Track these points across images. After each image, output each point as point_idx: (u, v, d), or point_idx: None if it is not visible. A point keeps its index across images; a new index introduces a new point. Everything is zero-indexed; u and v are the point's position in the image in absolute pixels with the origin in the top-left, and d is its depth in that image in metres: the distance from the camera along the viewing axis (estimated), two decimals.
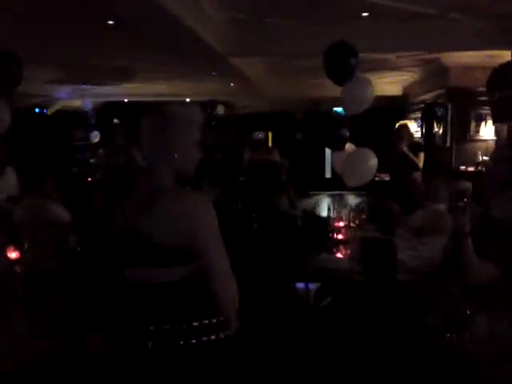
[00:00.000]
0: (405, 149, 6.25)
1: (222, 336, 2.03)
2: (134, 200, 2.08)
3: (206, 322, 2.01)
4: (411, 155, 6.27)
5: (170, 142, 2.09)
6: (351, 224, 4.69)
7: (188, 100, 12.36)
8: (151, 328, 2.01)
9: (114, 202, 2.24)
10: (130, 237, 2.06)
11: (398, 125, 6.78)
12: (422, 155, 6.42)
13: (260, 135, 12.95)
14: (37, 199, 4.62)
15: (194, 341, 1.98)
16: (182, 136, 2.12)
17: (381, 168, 4.53)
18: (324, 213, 4.90)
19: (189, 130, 2.14)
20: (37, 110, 11.17)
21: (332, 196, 4.93)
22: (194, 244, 1.96)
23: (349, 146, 4.37)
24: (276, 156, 6.19)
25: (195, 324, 1.99)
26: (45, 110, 11.41)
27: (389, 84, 10.37)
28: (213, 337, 2.01)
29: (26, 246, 4.28)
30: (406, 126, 6.74)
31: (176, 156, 2.09)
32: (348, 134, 4.26)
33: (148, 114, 2.17)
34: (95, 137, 11.78)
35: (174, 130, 2.11)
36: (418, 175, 6.10)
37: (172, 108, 2.16)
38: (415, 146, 6.54)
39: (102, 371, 3.58)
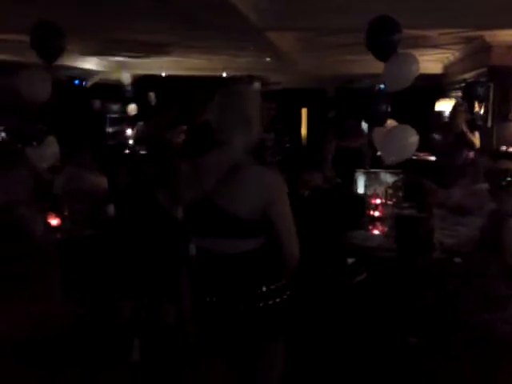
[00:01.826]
0: (464, 128, 6.12)
1: (285, 297, 2.26)
2: (211, 173, 2.16)
3: (273, 287, 2.22)
4: (470, 134, 6.14)
5: (246, 117, 2.20)
6: (387, 202, 4.66)
7: (224, 74, 12.33)
8: (226, 293, 2.21)
9: (162, 175, 2.33)
10: (207, 208, 2.17)
11: (455, 103, 6.62)
12: (477, 134, 6.30)
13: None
14: (76, 169, 4.73)
15: (261, 304, 2.19)
16: (255, 111, 2.24)
17: (420, 147, 4.47)
18: (361, 190, 4.87)
19: (258, 106, 2.26)
20: (76, 82, 11.30)
21: (368, 173, 4.88)
22: (268, 215, 2.15)
23: (390, 123, 4.31)
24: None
25: (264, 289, 2.20)
26: (84, 82, 11.53)
27: (429, 62, 10.13)
28: (278, 299, 2.22)
29: (65, 213, 4.39)
30: (462, 104, 6.58)
31: (251, 131, 2.22)
32: (389, 109, 4.20)
33: (222, 90, 2.27)
34: (132, 110, 11.89)
35: (250, 106, 2.22)
36: (474, 155, 5.98)
37: (244, 84, 2.36)
38: (471, 125, 6.40)
39: (132, 338, 3.69)
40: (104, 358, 3.69)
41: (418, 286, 3.55)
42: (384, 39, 3.99)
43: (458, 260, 3.42)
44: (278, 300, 2.23)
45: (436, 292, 3.39)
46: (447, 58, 10.00)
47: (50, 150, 4.60)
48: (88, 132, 9.14)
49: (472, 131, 6.26)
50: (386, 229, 4.08)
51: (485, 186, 3.77)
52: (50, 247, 3.94)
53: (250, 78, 10.62)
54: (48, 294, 4.11)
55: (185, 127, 6.96)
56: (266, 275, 2.22)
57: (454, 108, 6.38)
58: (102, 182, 4.86)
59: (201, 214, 2.20)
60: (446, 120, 7.21)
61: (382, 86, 4.16)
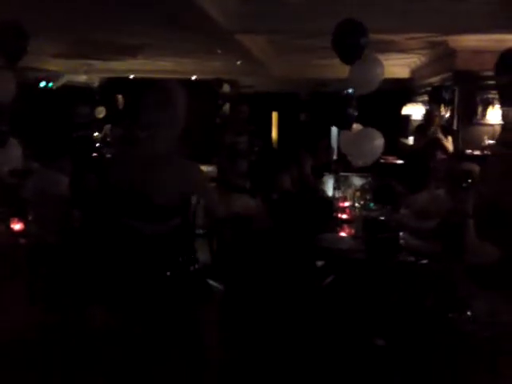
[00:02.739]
0: (439, 133, 6.21)
1: (197, 267, 2.74)
2: (136, 164, 2.50)
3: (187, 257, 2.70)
4: (444, 139, 6.23)
5: (170, 114, 2.49)
6: (356, 204, 4.70)
7: (193, 78, 12.28)
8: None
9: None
10: (134, 195, 2.49)
11: (427, 108, 6.72)
12: (450, 138, 6.39)
13: None
14: (52, 173, 4.59)
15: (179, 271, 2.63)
16: (180, 109, 2.52)
17: (387, 151, 4.53)
18: (329, 193, 4.90)
19: (184, 105, 2.53)
20: (42, 84, 11.11)
21: (337, 177, 4.91)
22: (191, 194, 2.96)
23: (356, 127, 4.35)
24: None
25: (181, 259, 2.66)
26: (50, 84, 11.35)
27: (396, 66, 10.28)
28: (192, 268, 2.70)
29: (30, 218, 4.30)
30: (437, 109, 6.69)
31: (175, 127, 2.53)
32: (356, 113, 4.23)
33: (150, 89, 2.53)
34: (100, 112, 11.75)
35: (174, 104, 2.50)
36: (446, 159, 6.07)
37: (171, 84, 2.54)
38: (445, 129, 6.50)
39: (103, 344, 3.62)
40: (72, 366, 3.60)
41: (385, 287, 3.58)
42: (350, 42, 4.02)
43: (423, 261, 3.46)
44: (192, 269, 2.70)
45: (402, 294, 3.43)
46: (414, 62, 10.15)
47: (12, 152, 4.48)
48: (53, 134, 9.00)
49: (446, 136, 6.36)
50: (353, 231, 4.11)
51: (442, 190, 3.84)
52: (13, 253, 3.86)
53: (219, 81, 10.61)
54: (11, 302, 4.02)
55: None
56: (183, 248, 2.69)
57: (429, 112, 6.48)
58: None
59: (128, 199, 2.53)
60: (420, 123, 7.30)
61: (350, 90, 4.19)
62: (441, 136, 6.25)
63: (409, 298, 3.43)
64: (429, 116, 6.40)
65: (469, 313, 3.00)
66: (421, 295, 3.34)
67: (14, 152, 4.50)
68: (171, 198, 2.51)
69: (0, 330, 3.85)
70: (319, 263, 3.99)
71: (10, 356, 3.61)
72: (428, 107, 7.48)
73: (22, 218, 4.20)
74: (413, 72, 10.79)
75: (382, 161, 6.48)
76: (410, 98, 10.40)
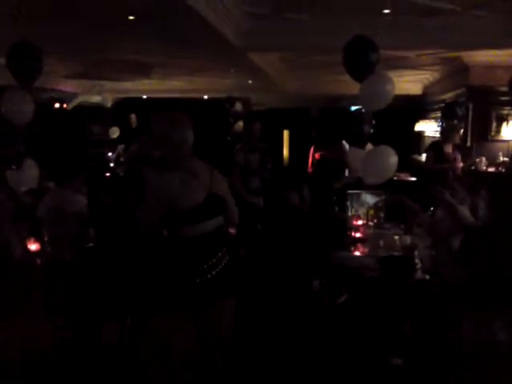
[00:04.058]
0: (455, 151, 6.22)
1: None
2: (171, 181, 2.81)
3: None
4: (457, 157, 6.22)
5: (182, 139, 2.80)
6: (369, 222, 4.65)
7: (206, 97, 12.36)
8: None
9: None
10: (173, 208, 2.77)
11: (450, 123, 6.69)
12: (459, 156, 6.38)
13: None
14: (67, 192, 4.60)
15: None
16: (190, 135, 2.84)
17: (400, 167, 4.49)
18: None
19: (190, 129, 2.85)
20: (56, 105, 11.23)
21: (350, 194, 4.87)
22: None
23: (367, 145, 4.32)
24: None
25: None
26: (64, 105, 11.47)
27: (408, 83, 10.27)
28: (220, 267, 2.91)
29: (45, 238, 4.30)
30: (458, 125, 6.66)
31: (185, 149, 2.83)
32: (371, 130, 4.21)
33: (155, 118, 2.88)
34: (114, 132, 11.82)
35: (185, 129, 2.83)
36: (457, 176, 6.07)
37: (179, 113, 2.86)
38: (458, 147, 6.48)
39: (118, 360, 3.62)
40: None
41: (400, 307, 3.53)
42: (360, 59, 4.01)
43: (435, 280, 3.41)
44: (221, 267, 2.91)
45: (418, 314, 3.38)
46: (426, 78, 10.14)
47: (29, 173, 4.52)
48: (81, 155, 9.07)
49: (458, 153, 6.34)
50: (366, 250, 4.06)
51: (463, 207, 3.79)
52: (31, 271, 3.86)
53: (231, 100, 10.65)
54: (30, 319, 4.02)
55: None
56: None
57: (452, 127, 6.43)
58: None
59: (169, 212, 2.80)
60: (437, 140, 7.27)
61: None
62: (456, 155, 6.23)
63: (424, 316, 3.38)
64: (449, 131, 6.35)
65: (457, 333, 2.95)
66: (435, 316, 3.29)
67: (31, 172, 4.54)
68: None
69: (19, 347, 3.86)
70: (332, 282, 3.96)
71: (30, 372, 3.62)
72: (443, 124, 7.43)
73: (37, 238, 4.21)
74: (425, 88, 10.77)
75: (394, 178, 6.42)
76: (423, 115, 10.37)
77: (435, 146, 6.43)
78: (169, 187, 2.79)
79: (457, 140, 6.44)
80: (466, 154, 7.69)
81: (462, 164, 6.49)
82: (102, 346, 3.93)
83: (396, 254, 3.79)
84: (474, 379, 2.90)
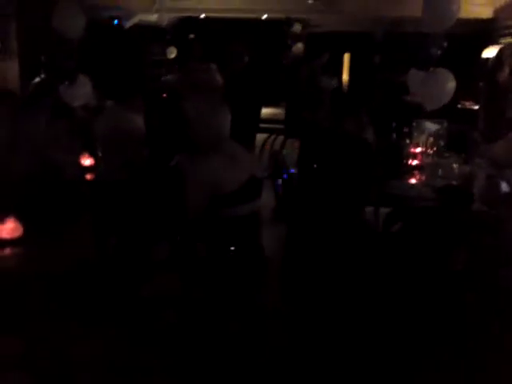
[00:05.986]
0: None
1: None
2: None
3: None
4: None
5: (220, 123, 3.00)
6: (428, 150, 4.48)
7: (264, 17, 11.99)
8: None
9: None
10: None
11: (501, 47, 6.18)
12: None
13: None
14: (124, 110, 4.61)
15: None
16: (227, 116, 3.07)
17: (465, 95, 4.25)
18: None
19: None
20: (115, 22, 11.16)
21: (409, 121, 4.68)
22: None
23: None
24: None
25: None
26: (123, 23, 11.38)
27: (477, 5, 9.59)
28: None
29: (100, 155, 4.36)
30: (510, 47, 6.15)
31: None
32: (440, 52, 3.97)
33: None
34: (172, 52, 11.70)
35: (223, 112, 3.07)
36: None
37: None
38: None
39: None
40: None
41: (455, 238, 3.43)
42: None
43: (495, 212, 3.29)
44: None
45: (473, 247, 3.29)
46: (498, 0, 9.44)
47: (82, 89, 4.54)
48: (138, 75, 9.04)
49: None
50: (423, 177, 3.94)
51: None
52: (82, 189, 3.96)
53: (290, 21, 10.29)
54: (81, 238, 4.15)
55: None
56: None
57: (501, 52, 5.94)
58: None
59: None
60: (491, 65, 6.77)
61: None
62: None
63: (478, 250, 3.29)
64: (501, 56, 5.86)
65: None
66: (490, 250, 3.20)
67: (84, 88, 4.55)
68: None
69: (69, 262, 4.02)
70: (386, 210, 3.88)
71: (76, 286, 3.79)
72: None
73: (92, 154, 4.27)
74: (497, 11, 10.04)
75: (458, 106, 6.12)
76: (494, 41, 9.73)
77: (489, 73, 5.93)
78: (210, 175, 2.90)
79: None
80: None
81: None
82: (152, 263, 4.02)
83: (454, 183, 3.65)
84: None
